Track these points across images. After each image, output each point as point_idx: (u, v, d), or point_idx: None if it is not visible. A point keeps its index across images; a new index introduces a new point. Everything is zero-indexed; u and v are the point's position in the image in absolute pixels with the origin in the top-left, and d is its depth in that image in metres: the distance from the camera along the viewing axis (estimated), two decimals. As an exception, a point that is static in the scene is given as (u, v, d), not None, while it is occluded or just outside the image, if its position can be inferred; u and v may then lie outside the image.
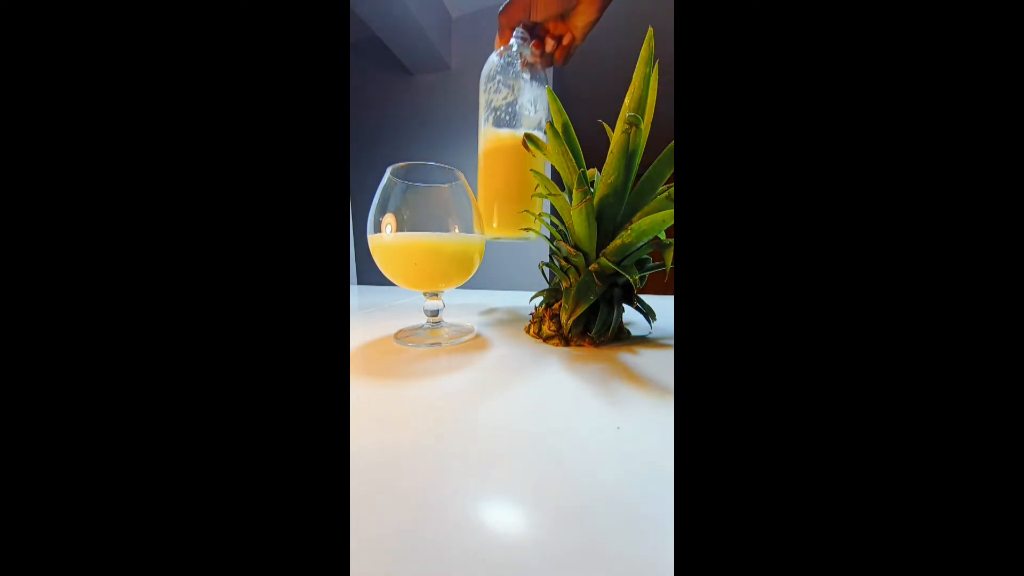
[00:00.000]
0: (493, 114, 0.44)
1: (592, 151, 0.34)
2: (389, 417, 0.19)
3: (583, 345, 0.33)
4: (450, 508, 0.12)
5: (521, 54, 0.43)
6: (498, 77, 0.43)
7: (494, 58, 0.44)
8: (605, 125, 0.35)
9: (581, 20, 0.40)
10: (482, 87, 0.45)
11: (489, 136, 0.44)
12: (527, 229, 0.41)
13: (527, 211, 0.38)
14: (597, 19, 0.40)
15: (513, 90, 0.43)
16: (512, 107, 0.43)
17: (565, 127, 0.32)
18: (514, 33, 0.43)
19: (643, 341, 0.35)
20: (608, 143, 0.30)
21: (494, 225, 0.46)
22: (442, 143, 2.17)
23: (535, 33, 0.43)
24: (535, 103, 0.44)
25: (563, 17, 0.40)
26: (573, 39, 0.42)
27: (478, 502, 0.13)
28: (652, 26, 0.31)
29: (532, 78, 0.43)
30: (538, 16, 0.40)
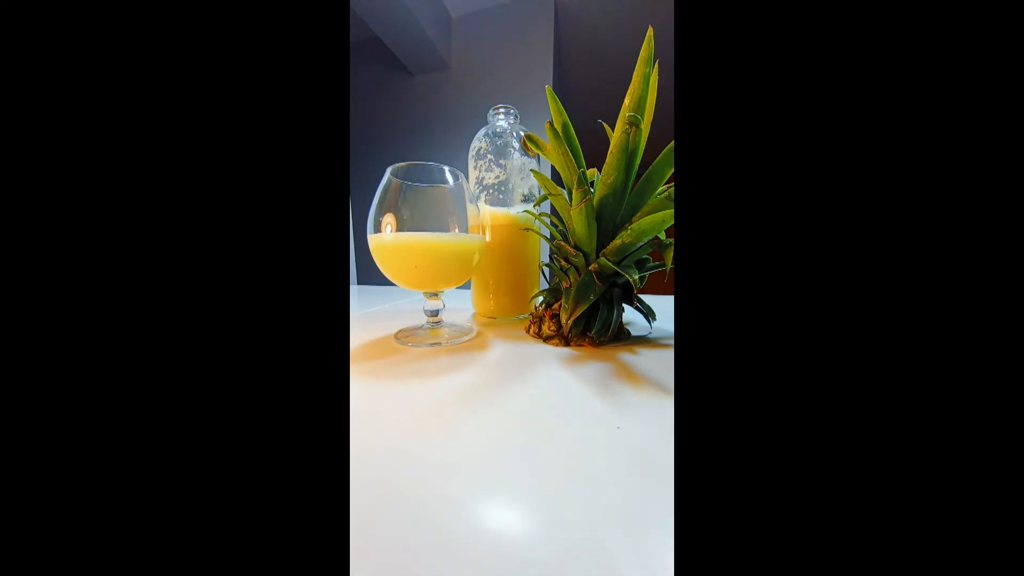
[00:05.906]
0: (485, 192, 0.44)
1: (592, 151, 0.34)
2: (389, 417, 0.19)
3: (583, 345, 0.33)
4: (450, 508, 0.12)
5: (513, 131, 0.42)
6: (488, 156, 0.43)
7: (482, 135, 0.44)
8: (605, 125, 0.35)
9: None
10: (471, 163, 0.45)
11: (484, 212, 0.43)
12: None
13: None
14: None
15: (506, 169, 0.43)
16: (504, 185, 0.43)
17: (565, 127, 0.32)
18: (501, 110, 0.42)
19: (643, 341, 0.35)
20: (608, 143, 0.30)
21: (490, 302, 0.45)
22: (442, 143, 2.17)
23: None
24: (522, 170, 0.43)
25: None
26: None
27: (478, 502, 0.13)
28: (652, 26, 0.31)
29: (522, 152, 0.43)
30: None
